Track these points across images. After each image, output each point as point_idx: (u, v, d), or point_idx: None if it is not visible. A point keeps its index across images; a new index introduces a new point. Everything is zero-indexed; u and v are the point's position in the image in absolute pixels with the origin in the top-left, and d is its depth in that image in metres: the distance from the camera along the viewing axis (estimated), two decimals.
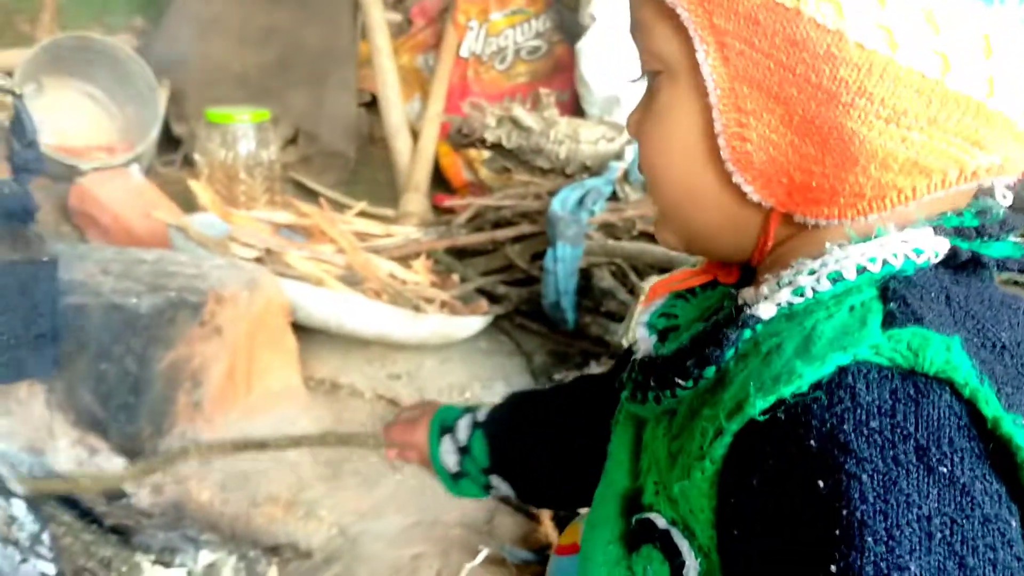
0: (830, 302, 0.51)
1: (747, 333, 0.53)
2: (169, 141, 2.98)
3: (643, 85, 0.61)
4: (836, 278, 0.51)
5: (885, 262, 0.51)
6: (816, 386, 0.47)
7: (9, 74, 2.33)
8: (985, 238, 0.55)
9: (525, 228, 2.09)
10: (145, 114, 2.65)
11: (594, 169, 2.15)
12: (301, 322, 1.95)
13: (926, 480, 0.44)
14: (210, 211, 2.10)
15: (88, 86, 2.64)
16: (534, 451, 0.90)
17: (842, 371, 0.47)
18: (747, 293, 0.56)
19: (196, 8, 2.93)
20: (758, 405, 0.48)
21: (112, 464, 1.60)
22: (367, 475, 1.74)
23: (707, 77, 0.53)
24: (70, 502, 1.50)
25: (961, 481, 0.44)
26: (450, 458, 0.95)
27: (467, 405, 0.98)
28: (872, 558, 0.42)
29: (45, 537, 1.42)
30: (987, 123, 0.50)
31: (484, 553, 1.48)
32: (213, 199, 2.09)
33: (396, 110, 2.87)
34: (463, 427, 0.95)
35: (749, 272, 0.64)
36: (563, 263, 1.95)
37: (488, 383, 2.12)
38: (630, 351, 0.85)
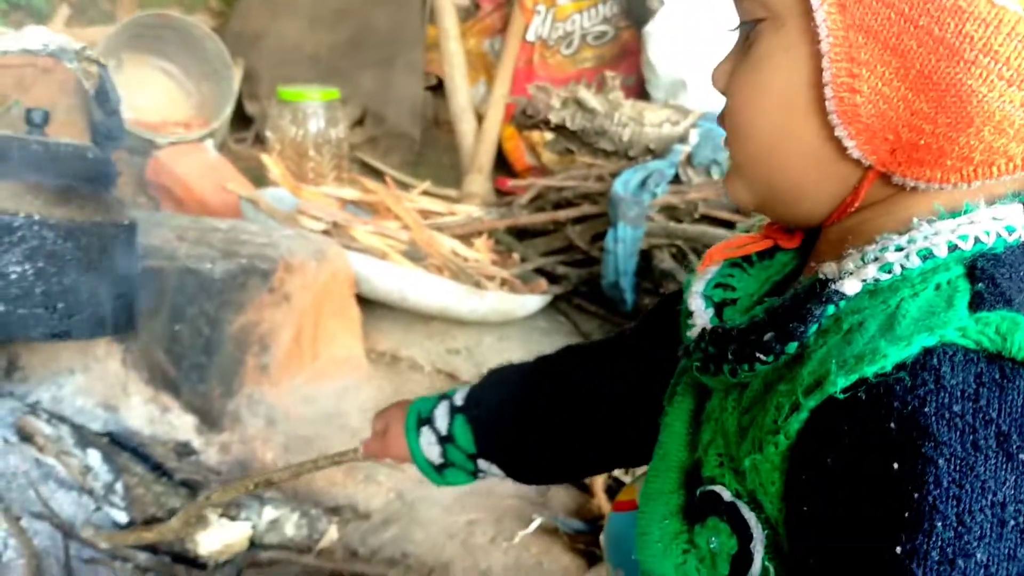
0: (916, 279, 0.50)
1: (830, 309, 0.51)
2: (242, 119, 3.06)
3: (733, 38, 0.59)
4: (926, 255, 0.50)
5: (977, 240, 0.50)
6: (900, 367, 0.46)
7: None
8: None
9: (587, 209, 2.10)
10: (220, 92, 2.73)
11: (657, 152, 2.15)
12: (365, 295, 2.00)
13: (1004, 467, 0.43)
14: (280, 184, 2.15)
15: (166, 63, 2.73)
16: (523, 429, 0.85)
17: (927, 353, 0.46)
18: (828, 267, 0.53)
19: None
20: (839, 383, 0.47)
21: (183, 421, 1.66)
22: None
23: (820, 23, 0.50)
24: (142, 456, 1.57)
25: None
26: (432, 450, 0.90)
27: (440, 392, 0.92)
28: (939, 543, 0.42)
29: (118, 487, 1.49)
30: None
31: (537, 522, 1.51)
32: (283, 173, 2.15)
33: (462, 93, 2.91)
34: (441, 415, 0.89)
35: (811, 238, 0.63)
36: (623, 244, 1.97)
37: None
38: (648, 320, 0.84)
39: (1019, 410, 0.45)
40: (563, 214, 2.13)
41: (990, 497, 0.43)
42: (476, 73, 3.13)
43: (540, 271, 2.22)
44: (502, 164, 3.06)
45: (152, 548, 1.41)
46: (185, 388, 1.66)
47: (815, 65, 0.52)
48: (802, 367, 0.51)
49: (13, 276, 1.39)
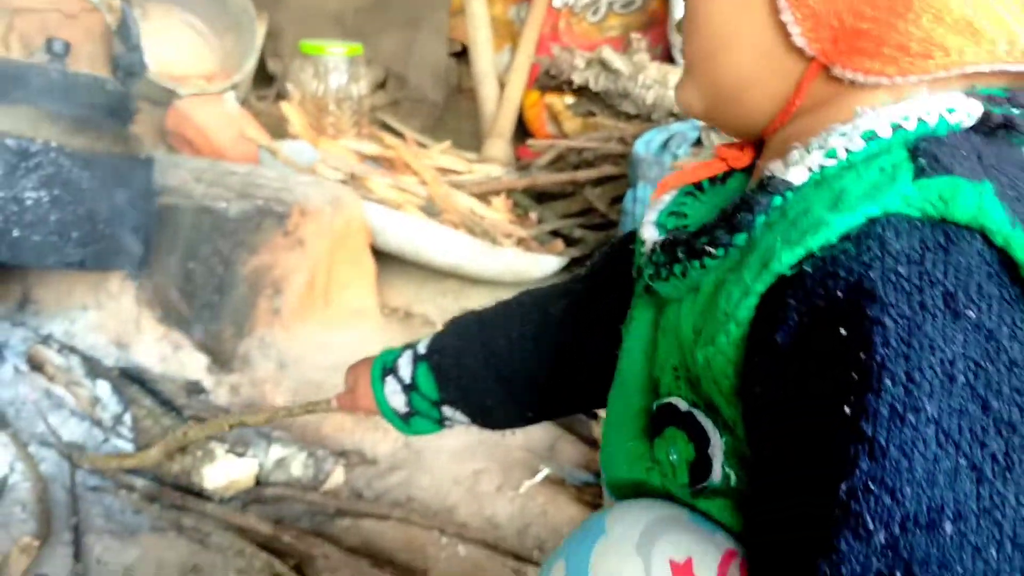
0: (860, 164, 0.50)
1: (777, 200, 0.52)
2: (264, 77, 3.05)
3: None
4: (870, 136, 0.50)
5: (920, 120, 0.50)
6: (845, 238, 0.46)
7: None
8: (1018, 108, 0.53)
9: (607, 170, 2.08)
10: (243, 45, 2.72)
11: (681, 115, 2.13)
12: (379, 247, 1.99)
13: (952, 325, 0.43)
14: (300, 135, 2.14)
15: (190, 16, 2.72)
16: (484, 373, 0.85)
17: (872, 222, 0.46)
18: (775, 164, 0.54)
19: None
20: (785, 259, 0.48)
21: (194, 360, 1.66)
22: None
23: None
24: (152, 391, 1.57)
25: (988, 327, 0.43)
26: (397, 398, 0.89)
27: (406, 343, 0.91)
28: (888, 399, 0.42)
29: (127, 418, 1.49)
30: None
31: (544, 472, 1.50)
32: (303, 122, 2.14)
33: (485, 56, 2.88)
34: (405, 364, 0.89)
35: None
36: (642, 204, 1.94)
37: None
38: (603, 261, 0.83)
39: (964, 270, 0.45)
40: (583, 175, 2.11)
41: (939, 355, 0.42)
42: (501, 40, 3.11)
43: (557, 233, 2.21)
44: (523, 133, 3.03)
45: (159, 479, 1.41)
46: (197, 327, 1.66)
47: None
48: (751, 255, 0.51)
49: (29, 202, 1.39)
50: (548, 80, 2.27)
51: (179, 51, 2.68)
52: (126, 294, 1.68)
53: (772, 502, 0.48)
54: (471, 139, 3.04)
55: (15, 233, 1.39)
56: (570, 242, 2.21)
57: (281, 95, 2.88)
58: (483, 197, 2.21)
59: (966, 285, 0.44)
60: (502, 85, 2.94)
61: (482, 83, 2.87)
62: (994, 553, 0.40)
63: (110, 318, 1.68)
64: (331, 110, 2.46)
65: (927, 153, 0.49)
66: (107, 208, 1.47)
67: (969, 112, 0.51)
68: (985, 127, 0.52)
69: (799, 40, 0.53)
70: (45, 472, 1.38)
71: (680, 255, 0.56)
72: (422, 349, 0.89)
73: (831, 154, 0.51)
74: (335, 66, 2.48)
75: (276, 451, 1.49)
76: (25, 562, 1.16)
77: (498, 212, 2.18)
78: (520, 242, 2.12)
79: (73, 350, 1.57)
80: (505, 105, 2.80)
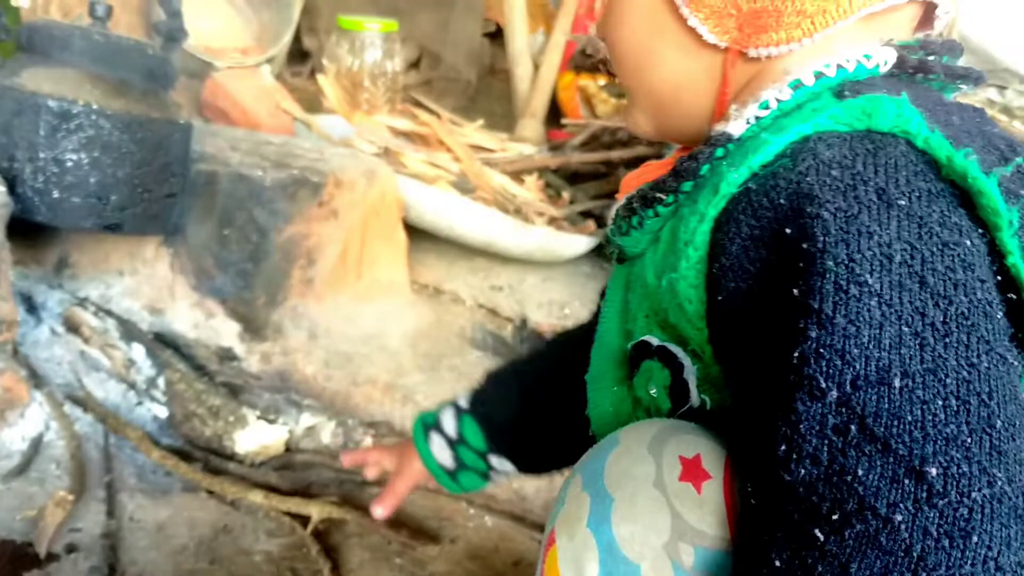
0: (792, 112, 0.55)
1: (719, 151, 0.56)
2: (299, 54, 3.06)
3: None
4: (796, 85, 0.55)
5: (839, 67, 0.55)
6: (781, 155, 0.52)
7: None
8: (932, 56, 0.58)
9: (640, 150, 2.07)
10: (279, 19, 2.73)
11: None
12: (411, 222, 1.99)
13: (886, 213, 0.47)
14: (335, 110, 2.15)
15: None
16: (526, 419, 0.88)
17: (805, 139, 0.51)
18: (718, 126, 0.58)
19: None
20: (733, 179, 0.52)
21: (226, 328, 1.67)
22: (464, 371, 1.78)
23: None
24: (185, 356, 1.58)
25: (919, 214, 0.47)
26: (443, 454, 0.92)
27: (445, 401, 0.95)
28: (832, 277, 0.45)
29: (160, 382, 1.50)
30: None
31: None
32: (338, 96, 2.14)
33: (520, 37, 2.87)
34: (448, 419, 0.92)
35: None
36: None
37: (588, 303, 2.12)
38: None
39: (893, 167, 0.49)
40: (616, 155, 2.10)
41: (876, 238, 0.46)
42: (535, 22, 3.09)
43: (589, 214, 2.20)
44: (555, 115, 3.02)
45: (191, 442, 1.42)
46: (231, 295, 1.67)
47: None
48: (702, 191, 0.56)
49: (69, 164, 1.40)
50: (583, 59, 2.26)
51: (216, 24, 2.69)
52: (161, 261, 1.69)
53: (749, 399, 0.53)
54: (503, 120, 3.04)
55: (55, 194, 1.40)
56: (601, 223, 2.20)
57: (316, 71, 2.88)
58: (516, 176, 2.20)
59: (896, 180, 0.48)
60: (536, 66, 2.93)
61: (516, 63, 2.86)
62: (940, 405, 0.43)
63: (145, 284, 1.69)
64: (366, 85, 2.46)
65: (850, 88, 0.54)
66: (146, 172, 1.47)
67: (885, 58, 0.56)
68: (904, 73, 0.57)
69: (710, 37, 0.58)
70: (79, 431, 1.40)
71: (635, 206, 0.61)
72: (464, 403, 0.92)
73: (764, 105, 0.55)
74: (371, 41, 2.49)
75: (306, 419, 1.50)
76: (60, 515, 1.17)
77: (530, 191, 2.17)
78: (552, 221, 2.11)
79: (109, 313, 1.58)
80: (539, 86, 2.79)
